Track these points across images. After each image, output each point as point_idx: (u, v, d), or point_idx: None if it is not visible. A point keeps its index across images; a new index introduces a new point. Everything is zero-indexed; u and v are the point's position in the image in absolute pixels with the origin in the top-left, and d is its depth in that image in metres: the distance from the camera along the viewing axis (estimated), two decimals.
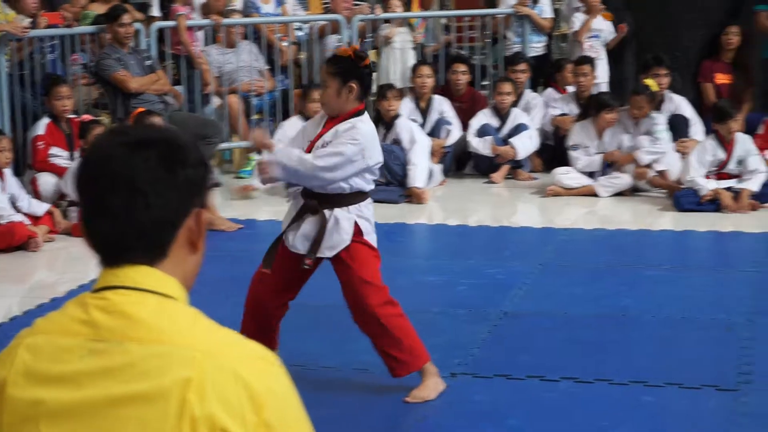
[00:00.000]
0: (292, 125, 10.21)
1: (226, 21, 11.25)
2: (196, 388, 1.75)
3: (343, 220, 5.25)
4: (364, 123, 5.24)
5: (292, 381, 1.87)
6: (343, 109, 5.23)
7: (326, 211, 5.26)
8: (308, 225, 5.30)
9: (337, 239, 5.25)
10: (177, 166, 1.87)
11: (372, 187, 5.39)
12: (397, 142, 10.21)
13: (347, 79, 5.17)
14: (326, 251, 5.27)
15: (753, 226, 8.83)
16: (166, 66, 10.98)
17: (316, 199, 5.30)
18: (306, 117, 10.13)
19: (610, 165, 10.17)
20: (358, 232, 5.26)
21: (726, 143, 9.50)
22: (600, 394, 5.39)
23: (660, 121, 10.20)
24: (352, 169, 5.18)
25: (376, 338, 5.32)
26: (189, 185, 1.89)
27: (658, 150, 10.00)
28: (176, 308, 1.86)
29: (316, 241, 5.25)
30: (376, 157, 5.30)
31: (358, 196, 5.29)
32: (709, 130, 10.13)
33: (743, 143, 9.53)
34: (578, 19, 11.82)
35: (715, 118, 9.68)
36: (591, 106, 10.46)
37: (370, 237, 5.31)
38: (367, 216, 5.32)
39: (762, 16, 11.48)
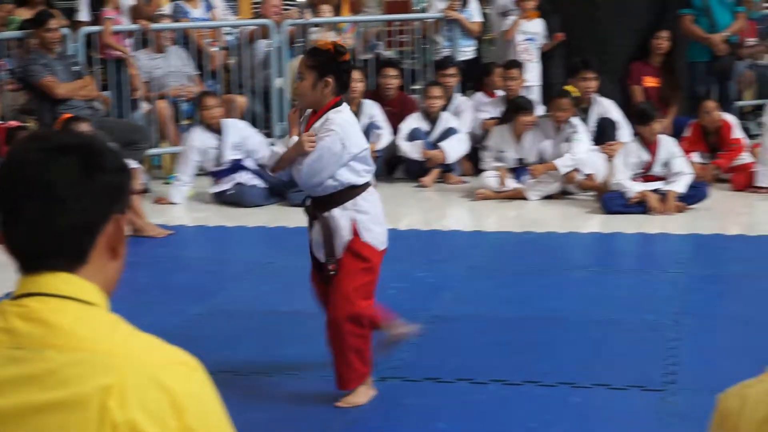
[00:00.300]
0: (198, 136, 10.16)
1: (154, 26, 11.19)
2: (116, 394, 1.74)
3: (340, 219, 5.21)
4: (339, 113, 5.19)
5: (216, 386, 1.87)
6: (320, 103, 5.20)
7: (326, 214, 5.24)
8: (316, 231, 5.29)
9: (340, 241, 5.23)
10: (96, 171, 1.86)
11: (366, 179, 5.31)
12: None
13: (324, 73, 5.13)
14: (339, 252, 5.25)
15: (679, 228, 8.93)
16: (93, 71, 10.89)
17: (314, 203, 5.29)
18: (206, 125, 10.12)
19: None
20: (354, 231, 5.21)
21: (649, 145, 9.60)
22: (528, 395, 5.43)
23: (579, 128, 10.28)
24: (337, 161, 5.14)
25: (333, 348, 5.31)
26: (108, 191, 1.88)
27: (575, 158, 10.06)
28: (96, 315, 1.85)
29: (328, 245, 5.23)
30: (359, 144, 5.24)
31: (351, 191, 5.23)
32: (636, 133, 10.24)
33: (667, 146, 9.63)
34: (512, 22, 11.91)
35: (637, 120, 9.78)
36: (509, 110, 10.56)
37: (370, 234, 5.23)
38: (365, 209, 5.24)
39: (687, 20, 11.63)
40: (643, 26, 11.78)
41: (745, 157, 10.53)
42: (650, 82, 11.71)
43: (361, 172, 5.27)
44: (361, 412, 5.30)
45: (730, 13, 11.67)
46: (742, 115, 12.81)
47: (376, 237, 5.27)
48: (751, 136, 12.12)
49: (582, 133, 10.24)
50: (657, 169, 9.58)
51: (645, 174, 9.59)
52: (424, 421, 5.19)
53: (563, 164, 10.01)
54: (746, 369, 2.02)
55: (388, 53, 12.60)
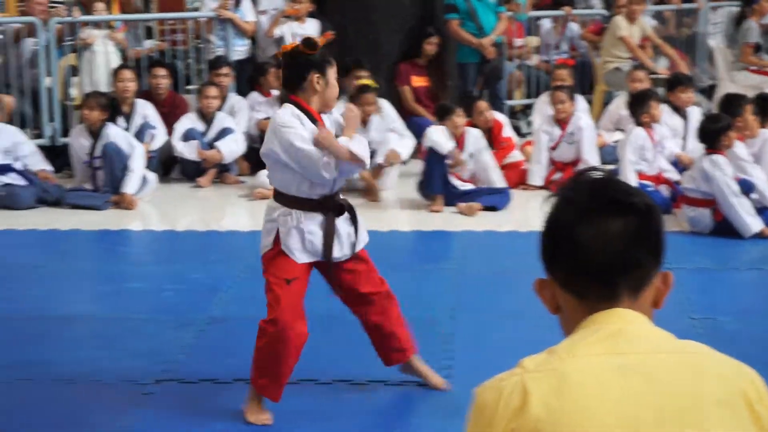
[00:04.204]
0: None
1: None
2: None
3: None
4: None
5: None
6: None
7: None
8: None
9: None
10: None
11: (314, 195, 5.16)
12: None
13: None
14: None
15: (453, 225, 9.06)
16: None
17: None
18: None
19: None
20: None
21: (456, 138, 9.72)
22: (306, 393, 5.44)
23: (396, 119, 10.48)
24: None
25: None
26: None
27: (409, 145, 10.24)
28: None
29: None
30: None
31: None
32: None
33: (473, 138, 9.80)
34: (282, 24, 11.92)
35: (438, 116, 9.86)
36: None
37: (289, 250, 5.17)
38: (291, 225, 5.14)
39: (454, 24, 11.84)
40: (413, 27, 11.93)
41: (515, 155, 10.81)
42: (418, 81, 11.89)
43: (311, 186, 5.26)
44: (131, 415, 5.22)
45: (494, 15, 11.94)
46: (513, 114, 13.15)
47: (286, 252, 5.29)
48: (521, 135, 12.46)
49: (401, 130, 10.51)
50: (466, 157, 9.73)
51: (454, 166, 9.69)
52: (201, 423, 5.13)
53: (404, 150, 10.18)
54: (518, 362, 2.07)
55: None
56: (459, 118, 9.78)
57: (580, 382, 1.93)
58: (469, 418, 2.01)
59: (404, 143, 10.38)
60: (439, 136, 9.55)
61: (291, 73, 5.16)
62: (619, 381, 1.93)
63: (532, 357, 2.01)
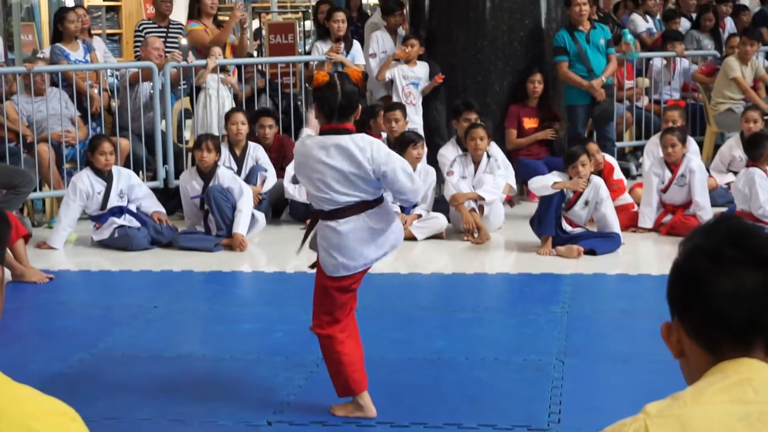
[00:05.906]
0: (84, 180, 9.99)
1: (37, 68, 11.03)
2: None
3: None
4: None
5: None
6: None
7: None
8: None
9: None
10: None
11: (320, 207, 5.55)
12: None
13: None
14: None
15: (562, 267, 9.01)
16: None
17: None
18: (95, 170, 9.97)
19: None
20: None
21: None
22: None
23: (501, 161, 10.41)
24: None
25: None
26: None
27: (499, 189, 10.21)
28: None
29: None
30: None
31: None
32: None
33: (596, 188, 9.62)
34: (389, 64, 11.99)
35: (565, 162, 9.69)
36: (396, 147, 10.56)
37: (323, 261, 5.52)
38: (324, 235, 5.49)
39: (563, 66, 11.81)
40: (522, 69, 11.89)
41: (625, 198, 10.71)
42: (530, 123, 11.85)
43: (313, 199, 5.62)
44: None
45: (603, 56, 11.87)
46: (622, 155, 13.05)
47: (328, 262, 5.55)
48: (630, 177, 12.36)
49: (505, 167, 10.41)
50: (576, 209, 9.61)
51: (567, 209, 9.60)
52: None
53: (489, 193, 10.10)
54: (628, 406, 2.06)
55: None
56: (584, 167, 9.53)
57: (704, 430, 1.91)
58: None
59: (490, 188, 10.21)
60: (538, 183, 9.48)
61: (348, 103, 5.44)
62: (743, 430, 1.90)
63: (655, 403, 1.98)
